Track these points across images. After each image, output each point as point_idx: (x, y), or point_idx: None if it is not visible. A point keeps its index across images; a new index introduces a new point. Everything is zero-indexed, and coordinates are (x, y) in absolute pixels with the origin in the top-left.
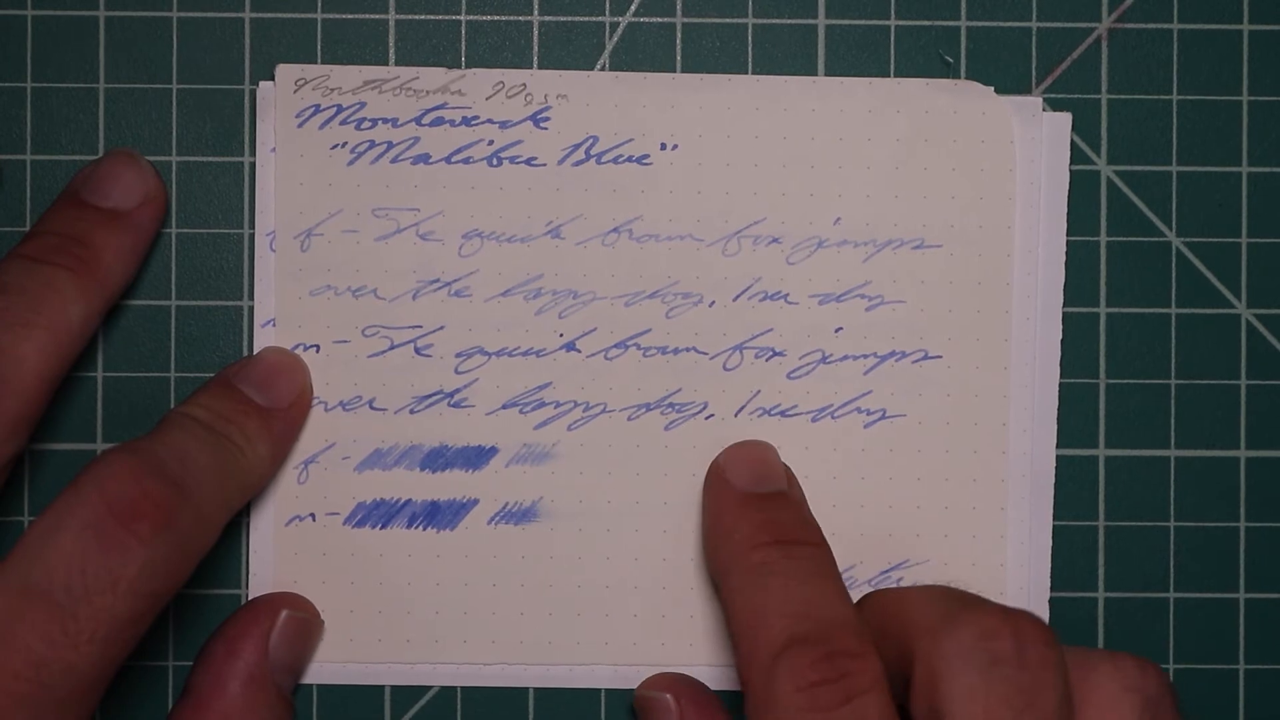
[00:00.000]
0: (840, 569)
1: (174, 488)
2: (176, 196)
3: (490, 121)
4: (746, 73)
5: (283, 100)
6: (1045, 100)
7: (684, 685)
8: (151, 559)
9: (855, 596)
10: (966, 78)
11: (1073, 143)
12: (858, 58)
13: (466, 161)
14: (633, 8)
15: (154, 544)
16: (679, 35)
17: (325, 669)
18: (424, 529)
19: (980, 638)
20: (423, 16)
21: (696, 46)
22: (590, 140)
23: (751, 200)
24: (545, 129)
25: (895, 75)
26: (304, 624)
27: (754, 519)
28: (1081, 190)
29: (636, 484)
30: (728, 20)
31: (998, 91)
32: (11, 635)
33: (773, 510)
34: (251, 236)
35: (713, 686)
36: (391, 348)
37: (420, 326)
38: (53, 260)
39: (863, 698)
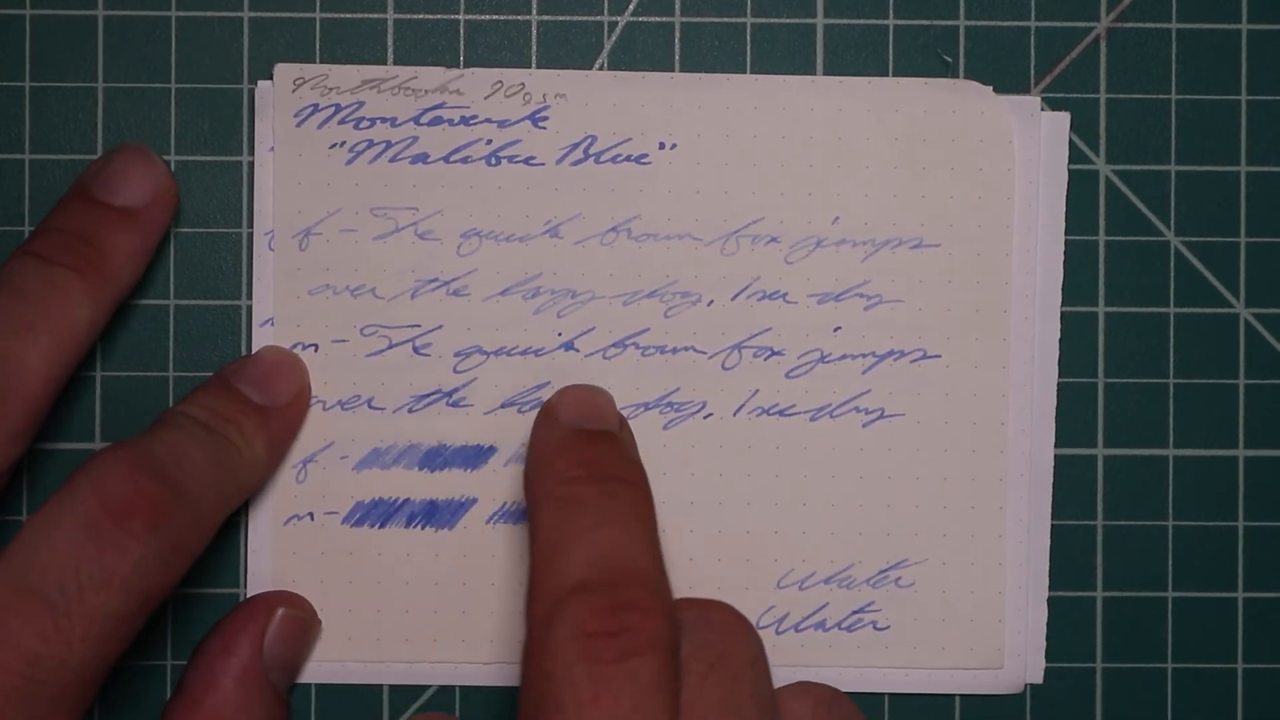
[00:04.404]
0: (838, 568)
1: (169, 486)
2: None
3: (489, 121)
4: (745, 72)
5: (281, 100)
6: (1044, 100)
7: None
8: (146, 556)
9: (855, 596)
10: (965, 77)
11: (1071, 142)
12: (856, 57)
13: (465, 161)
14: (631, 7)
15: (148, 542)
16: (677, 34)
17: (323, 668)
18: (422, 528)
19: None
20: (421, 16)
21: (695, 46)
22: (589, 139)
23: (750, 199)
24: (544, 128)
25: (894, 75)
26: (300, 622)
27: (574, 453)
28: (1080, 190)
29: None
30: (726, 19)
31: (996, 91)
32: (5, 631)
33: (596, 447)
34: (250, 236)
35: None
36: (390, 347)
37: (419, 326)
38: (61, 260)
39: (640, 658)
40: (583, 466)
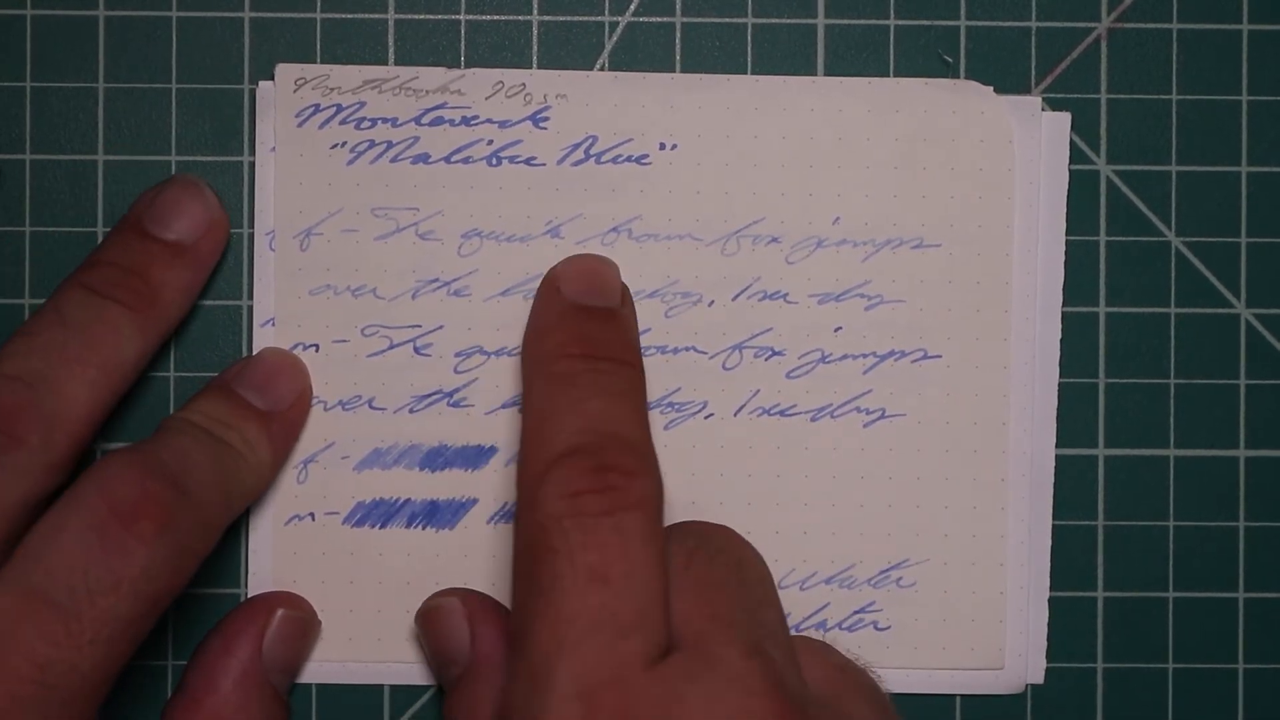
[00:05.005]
0: (839, 568)
1: (175, 489)
2: None
3: (490, 121)
4: (746, 72)
5: (282, 100)
6: (1045, 100)
7: (472, 594)
8: (154, 559)
9: (856, 596)
10: (966, 77)
11: (1072, 142)
12: (857, 57)
13: (466, 161)
14: (632, 7)
15: (156, 545)
16: (678, 35)
17: (324, 668)
18: (423, 528)
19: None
20: (422, 16)
21: (696, 46)
22: (589, 140)
23: (750, 200)
24: (544, 129)
25: (894, 75)
26: (300, 623)
27: (571, 329)
28: (1081, 190)
29: None
30: (727, 20)
31: (997, 91)
32: (15, 637)
33: (592, 325)
34: (251, 236)
35: None
36: (391, 347)
37: (419, 326)
38: (111, 294)
39: (626, 513)
40: (578, 344)
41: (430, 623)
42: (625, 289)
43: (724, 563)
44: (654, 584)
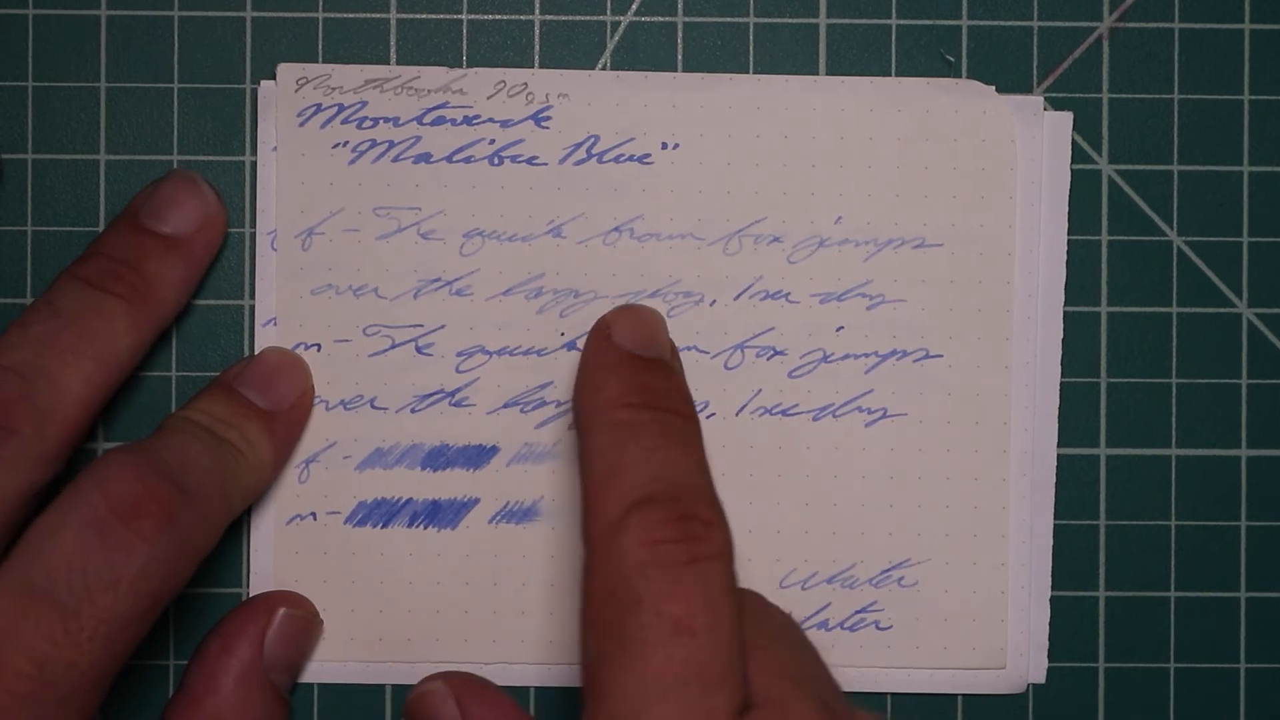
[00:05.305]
0: (841, 568)
1: (176, 487)
2: None
3: (491, 121)
4: (748, 72)
5: (284, 99)
6: (1046, 99)
7: (455, 675)
8: (153, 557)
9: (858, 596)
10: (968, 77)
11: (1074, 142)
12: (859, 57)
13: (468, 160)
14: (634, 7)
15: (156, 542)
16: (680, 34)
17: (326, 668)
18: (425, 528)
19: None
20: (424, 16)
21: (698, 46)
22: (591, 139)
23: (752, 199)
24: (546, 128)
25: (896, 74)
26: (301, 622)
27: (629, 379)
28: (1083, 189)
29: None
30: (729, 19)
31: (999, 91)
32: (14, 634)
33: (651, 375)
34: (253, 235)
35: None
36: (392, 347)
37: (421, 325)
38: (107, 287)
39: (708, 563)
40: (638, 393)
41: (419, 711)
42: (673, 343)
43: (772, 623)
44: (736, 637)
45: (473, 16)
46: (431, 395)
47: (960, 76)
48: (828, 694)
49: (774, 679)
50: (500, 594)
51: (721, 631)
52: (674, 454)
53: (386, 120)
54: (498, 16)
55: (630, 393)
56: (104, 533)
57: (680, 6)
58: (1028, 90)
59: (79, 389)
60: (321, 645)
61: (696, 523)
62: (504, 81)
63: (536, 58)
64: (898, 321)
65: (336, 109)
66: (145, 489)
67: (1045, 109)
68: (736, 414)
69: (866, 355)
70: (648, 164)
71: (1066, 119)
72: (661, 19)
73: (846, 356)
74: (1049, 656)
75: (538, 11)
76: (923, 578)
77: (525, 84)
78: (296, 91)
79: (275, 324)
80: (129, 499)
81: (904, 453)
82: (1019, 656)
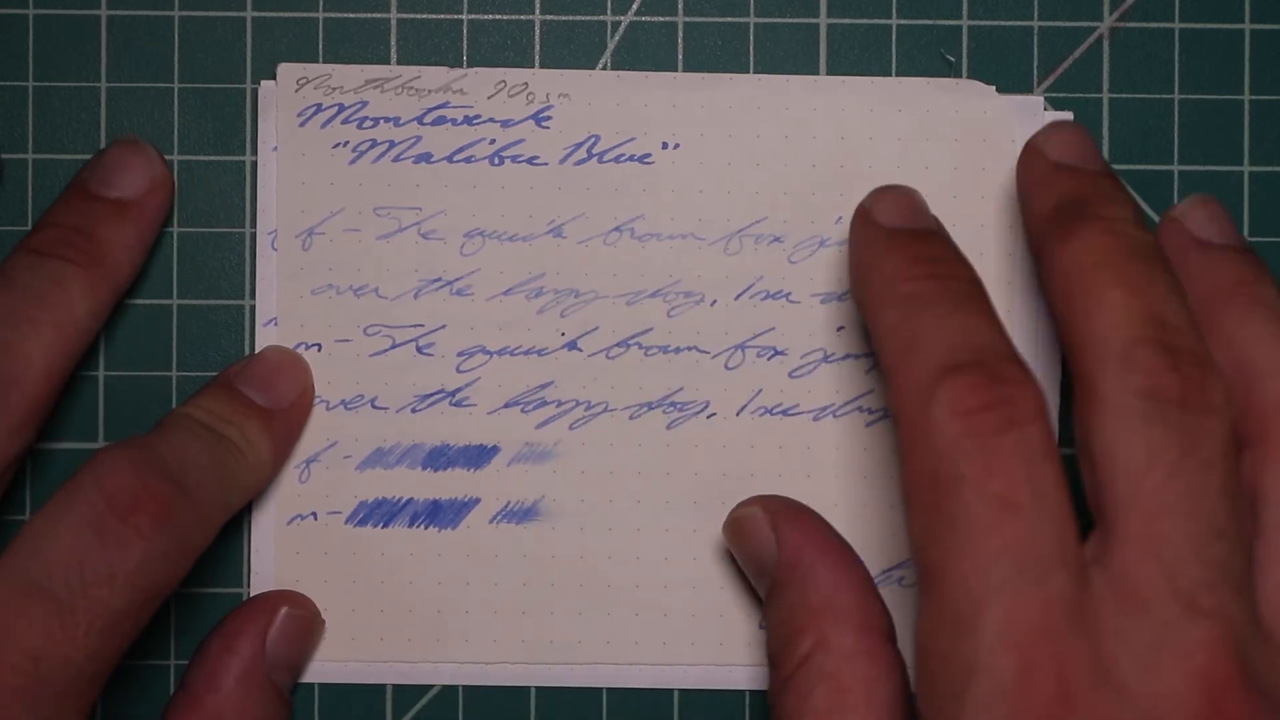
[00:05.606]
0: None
1: (173, 484)
2: (178, 195)
3: (492, 120)
4: (748, 72)
5: (284, 99)
6: (1047, 99)
7: (773, 498)
8: (150, 553)
9: None
10: (968, 77)
11: None
12: (859, 57)
13: (468, 160)
14: (634, 7)
15: (152, 538)
16: (681, 34)
17: (327, 668)
18: (426, 528)
19: (1146, 379)
20: (424, 16)
21: (698, 45)
22: (592, 139)
23: (753, 199)
24: (547, 128)
25: (897, 74)
26: (303, 622)
27: (905, 252)
28: None
29: (638, 483)
30: (729, 19)
31: (999, 90)
32: (10, 629)
33: (925, 245)
34: (253, 235)
35: (716, 687)
36: (393, 346)
37: (422, 325)
38: (59, 254)
39: (1027, 427)
40: (918, 264)
41: (736, 536)
42: (933, 214)
43: (1189, 472)
44: (1065, 504)
45: (473, 16)
46: (432, 395)
47: (961, 76)
48: (1209, 576)
49: (1136, 560)
50: (501, 594)
51: (1048, 503)
52: (969, 319)
53: (387, 120)
54: (498, 16)
55: (910, 265)
56: (101, 528)
57: (681, 6)
58: (1028, 90)
59: (41, 358)
60: (322, 645)
61: (1009, 384)
62: (504, 81)
63: (537, 58)
64: None
65: (337, 109)
66: (143, 485)
67: (1045, 109)
68: (737, 414)
69: (867, 355)
70: (648, 164)
71: (1066, 119)
72: (662, 19)
73: (847, 356)
74: None
75: (538, 11)
76: None
77: (526, 84)
78: (297, 91)
79: (276, 324)
80: (126, 495)
81: None
82: None
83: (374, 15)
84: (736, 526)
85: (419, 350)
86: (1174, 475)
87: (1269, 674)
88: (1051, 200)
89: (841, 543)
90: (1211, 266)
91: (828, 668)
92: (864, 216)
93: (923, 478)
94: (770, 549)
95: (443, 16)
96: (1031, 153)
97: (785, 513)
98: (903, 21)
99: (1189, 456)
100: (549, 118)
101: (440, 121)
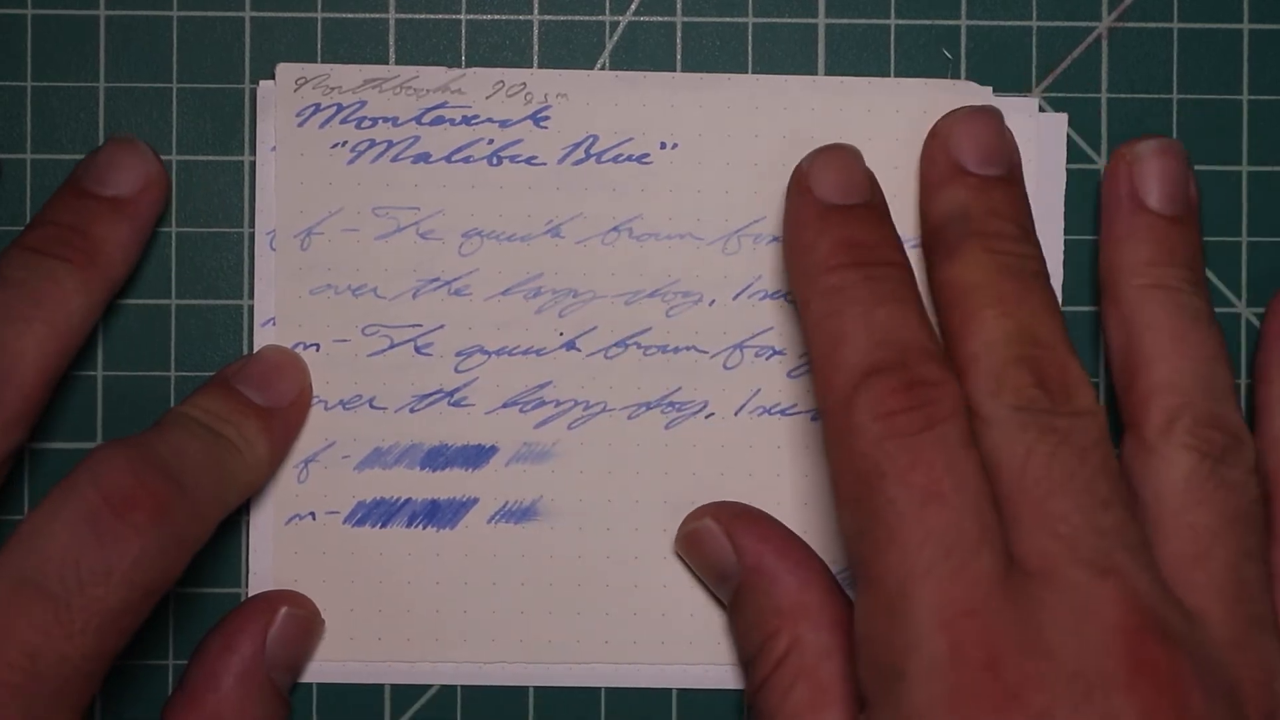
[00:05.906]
0: (840, 567)
1: (170, 481)
2: (176, 195)
3: (490, 120)
4: (746, 72)
5: (283, 99)
6: (1045, 99)
7: (724, 507)
8: (146, 550)
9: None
10: (966, 77)
11: (1072, 142)
12: (858, 57)
13: (466, 160)
14: (632, 7)
15: (149, 535)
16: (679, 34)
17: (325, 667)
18: (424, 528)
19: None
20: (423, 16)
21: (696, 45)
22: (590, 139)
23: (751, 199)
24: (545, 128)
25: (895, 75)
26: (303, 622)
27: (834, 235)
28: (1081, 189)
29: (636, 483)
30: (728, 19)
31: (999, 91)
32: (6, 627)
33: (852, 227)
34: (251, 235)
35: (714, 686)
36: (391, 346)
37: (420, 325)
38: (53, 252)
39: (943, 425)
40: (845, 252)
41: (692, 548)
42: (871, 176)
43: (1064, 457)
44: (984, 491)
45: (471, 16)
46: (430, 395)
47: (959, 77)
48: (1106, 545)
49: (1043, 538)
50: (499, 594)
51: (969, 491)
52: (890, 312)
53: (385, 120)
54: (496, 16)
55: (836, 252)
56: (97, 525)
57: (679, 6)
58: (1028, 90)
59: (35, 354)
60: (321, 645)
61: (925, 385)
62: (503, 81)
63: (535, 58)
64: None
65: (335, 109)
66: (139, 482)
67: (1041, 109)
68: (735, 414)
69: None
70: (646, 164)
71: (1061, 119)
72: (660, 19)
73: None
74: None
75: (536, 11)
76: None
77: (524, 84)
78: (295, 91)
79: (274, 324)
80: (123, 492)
81: None
82: None
83: (372, 15)
84: (691, 539)
85: (417, 350)
86: (1052, 462)
87: (1181, 629)
88: (943, 209)
89: (799, 543)
90: (1134, 236)
91: (805, 665)
92: (800, 184)
93: (849, 475)
94: (728, 558)
95: (441, 16)
96: (936, 144)
97: (739, 520)
98: (901, 22)
99: (1064, 445)
100: (547, 118)
101: (439, 121)
